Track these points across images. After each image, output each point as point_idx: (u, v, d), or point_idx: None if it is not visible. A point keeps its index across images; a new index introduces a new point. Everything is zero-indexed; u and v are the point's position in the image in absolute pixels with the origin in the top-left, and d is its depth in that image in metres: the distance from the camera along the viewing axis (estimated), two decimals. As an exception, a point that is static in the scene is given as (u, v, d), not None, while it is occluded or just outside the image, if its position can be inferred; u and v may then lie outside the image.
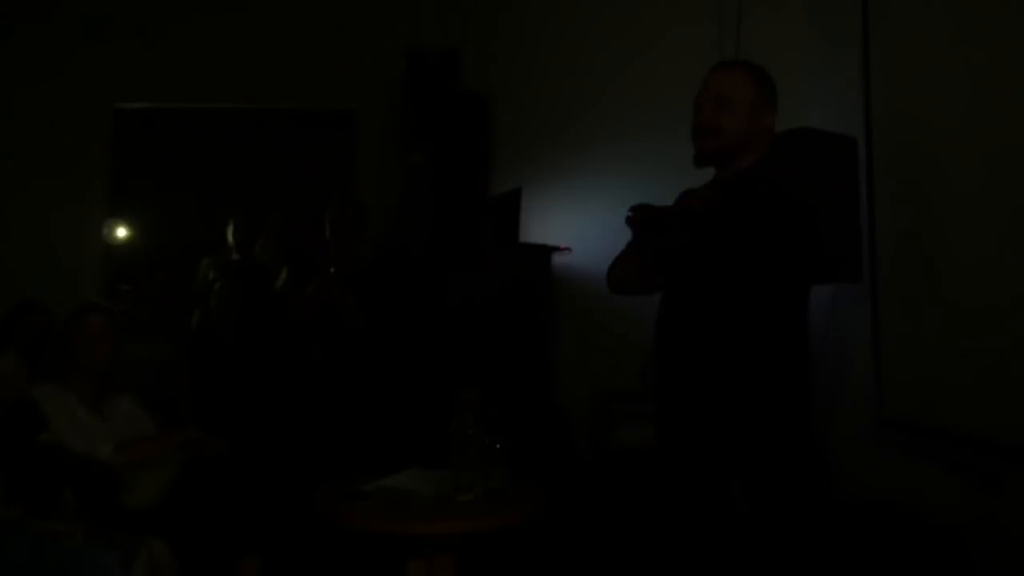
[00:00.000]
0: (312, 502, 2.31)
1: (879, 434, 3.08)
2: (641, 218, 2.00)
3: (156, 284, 3.98)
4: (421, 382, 3.28)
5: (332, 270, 3.58)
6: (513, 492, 2.31)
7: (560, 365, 3.72)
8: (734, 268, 1.90)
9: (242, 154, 6.15)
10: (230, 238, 4.60)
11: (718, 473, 1.92)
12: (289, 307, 3.70)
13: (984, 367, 2.50)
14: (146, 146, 5.72)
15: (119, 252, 4.98)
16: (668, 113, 4.05)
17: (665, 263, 2.09)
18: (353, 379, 3.51)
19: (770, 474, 1.89)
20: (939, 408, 2.70)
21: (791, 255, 1.89)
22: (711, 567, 1.94)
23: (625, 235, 2.24)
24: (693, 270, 2.01)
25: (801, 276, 1.98)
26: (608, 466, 3.24)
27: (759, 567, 1.86)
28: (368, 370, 3.40)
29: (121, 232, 5.29)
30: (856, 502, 3.00)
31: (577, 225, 3.96)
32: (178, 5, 4.25)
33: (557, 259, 3.73)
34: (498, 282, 3.42)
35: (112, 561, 2.28)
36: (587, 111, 4.04)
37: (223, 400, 3.85)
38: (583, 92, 4.05)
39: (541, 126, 4.04)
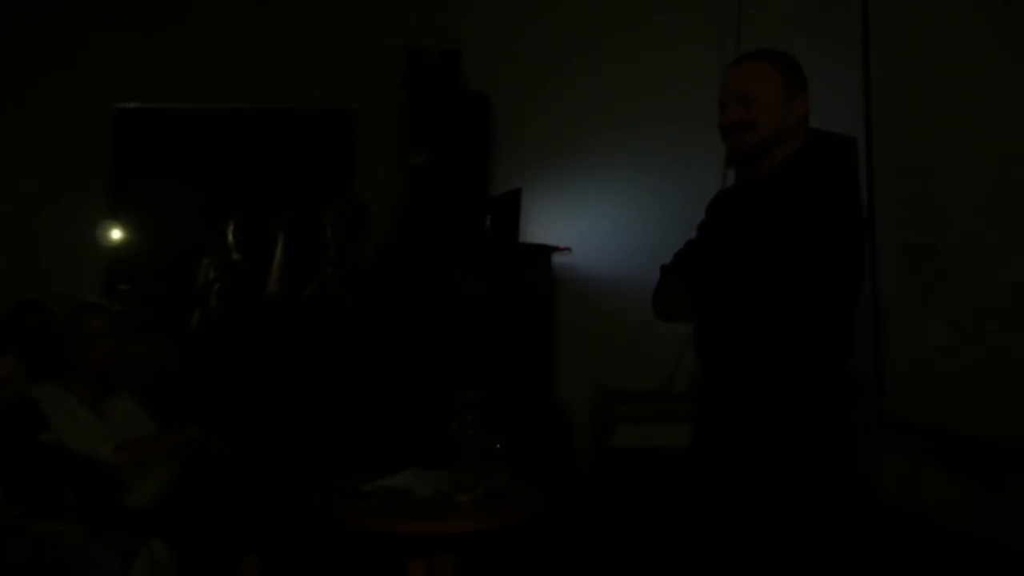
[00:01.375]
0: (312, 502, 2.31)
1: (879, 434, 3.09)
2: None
3: (156, 284, 3.97)
4: (421, 382, 3.28)
5: (330, 271, 3.59)
6: (513, 492, 2.30)
7: (560, 365, 3.72)
8: (769, 279, 1.86)
9: (242, 154, 6.16)
10: (230, 238, 4.60)
11: (746, 475, 1.90)
12: (288, 307, 3.70)
13: (984, 367, 2.50)
14: (146, 146, 5.74)
15: (119, 252, 4.98)
16: (669, 113, 4.08)
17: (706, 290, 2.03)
18: (352, 379, 3.51)
19: (800, 480, 1.88)
20: (939, 408, 2.70)
21: (817, 261, 1.85)
22: (722, 566, 1.95)
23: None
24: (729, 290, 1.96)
25: (833, 279, 1.92)
26: (608, 466, 3.24)
27: (771, 567, 1.87)
28: (367, 370, 3.40)
29: (121, 232, 5.29)
30: (856, 502, 3.01)
31: (577, 225, 3.96)
32: (178, 5, 4.25)
33: (557, 259, 3.73)
34: (498, 282, 3.42)
35: (112, 561, 2.28)
36: (587, 111, 4.04)
37: (223, 400, 3.85)
38: (583, 92, 4.05)
39: (541, 126, 4.04)
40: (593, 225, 3.98)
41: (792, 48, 4.08)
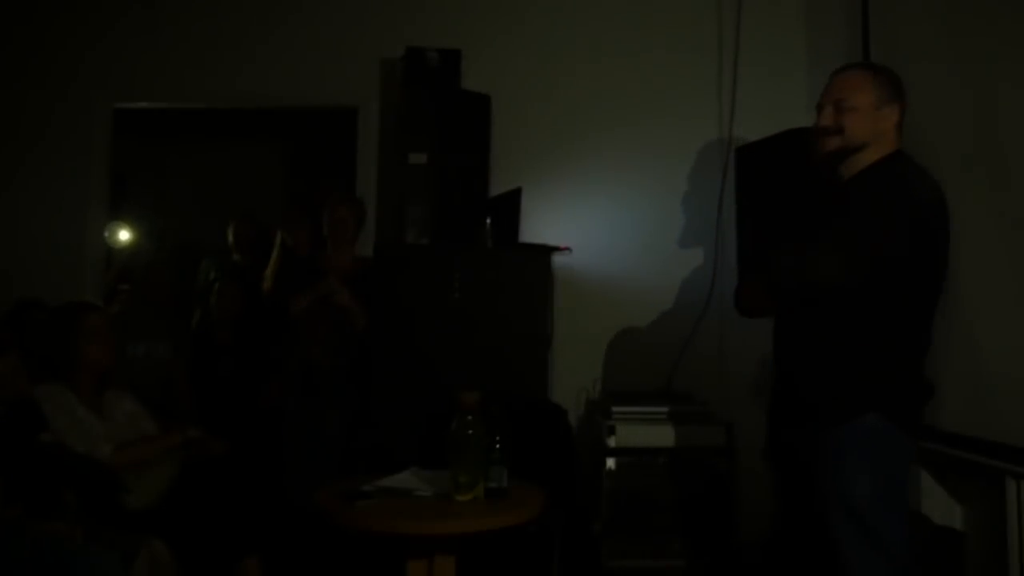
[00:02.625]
0: (312, 502, 2.31)
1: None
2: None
3: (156, 284, 3.97)
4: (421, 382, 3.28)
5: (331, 270, 3.59)
6: (513, 492, 2.30)
7: (560, 365, 3.72)
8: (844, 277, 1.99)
9: (242, 154, 6.18)
10: (230, 239, 4.61)
11: (833, 458, 2.02)
12: (288, 307, 3.70)
13: (984, 367, 2.50)
14: (146, 146, 5.75)
15: (119, 252, 4.99)
16: (669, 113, 4.08)
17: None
18: (353, 379, 3.51)
19: (884, 463, 2.02)
20: (939, 408, 2.70)
21: (899, 255, 1.98)
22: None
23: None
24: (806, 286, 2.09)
25: (915, 276, 2.05)
26: (608, 466, 3.24)
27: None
28: (368, 370, 3.40)
29: (121, 232, 5.30)
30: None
31: (577, 225, 3.96)
32: (178, 5, 4.25)
33: (557, 259, 3.73)
34: (498, 282, 3.42)
35: (112, 561, 2.28)
36: (587, 111, 4.04)
37: (223, 400, 3.85)
38: (583, 92, 4.05)
39: (541, 126, 4.04)
40: (593, 225, 3.98)
41: (792, 47, 4.11)
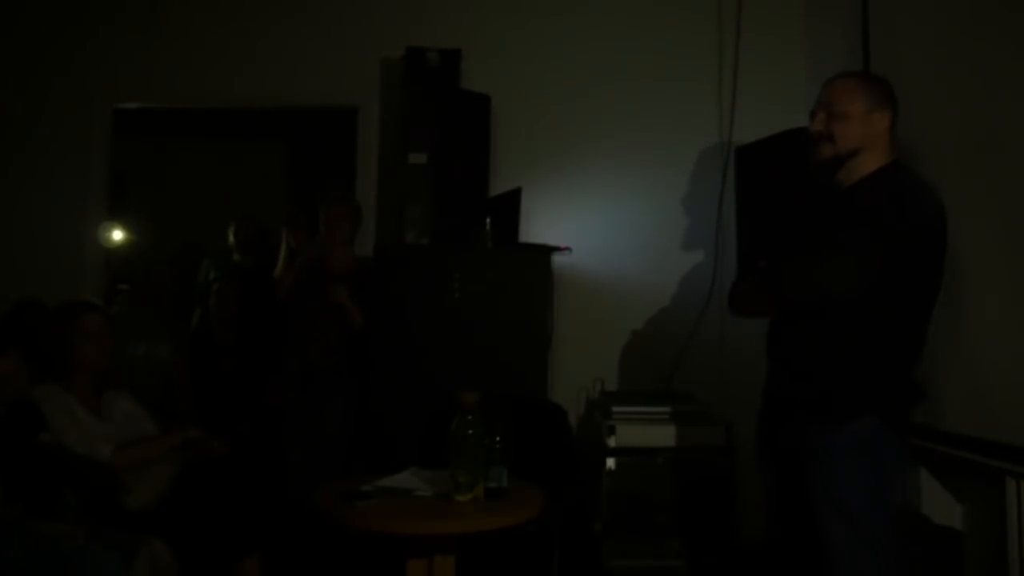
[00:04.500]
0: (312, 502, 2.31)
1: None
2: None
3: (155, 284, 3.97)
4: (421, 382, 3.28)
5: (331, 271, 3.59)
6: (513, 492, 2.30)
7: (560, 365, 3.73)
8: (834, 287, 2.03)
9: (242, 154, 6.18)
10: (231, 239, 4.61)
11: (826, 459, 2.05)
12: (288, 307, 3.70)
13: (984, 367, 2.50)
14: (146, 146, 5.75)
15: (119, 252, 4.99)
16: (669, 113, 4.08)
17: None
18: (352, 379, 3.51)
19: (879, 464, 2.06)
20: (939, 408, 2.70)
21: (908, 267, 2.03)
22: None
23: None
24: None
25: (918, 285, 2.10)
26: (608, 466, 3.24)
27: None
28: (367, 369, 3.40)
29: (121, 232, 5.30)
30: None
31: (577, 225, 3.96)
32: (178, 5, 4.25)
33: (557, 259, 3.73)
34: (498, 282, 3.42)
35: (112, 561, 2.28)
36: (587, 111, 4.04)
37: (223, 400, 3.85)
38: (583, 92, 4.05)
39: (541, 126, 4.04)
40: (593, 225, 3.98)
41: (792, 48, 4.11)
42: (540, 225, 3.88)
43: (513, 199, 3.60)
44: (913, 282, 2.08)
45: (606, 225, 3.99)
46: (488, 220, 3.49)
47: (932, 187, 2.16)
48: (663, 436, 3.24)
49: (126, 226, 5.40)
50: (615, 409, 3.31)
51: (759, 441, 2.34)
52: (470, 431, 2.22)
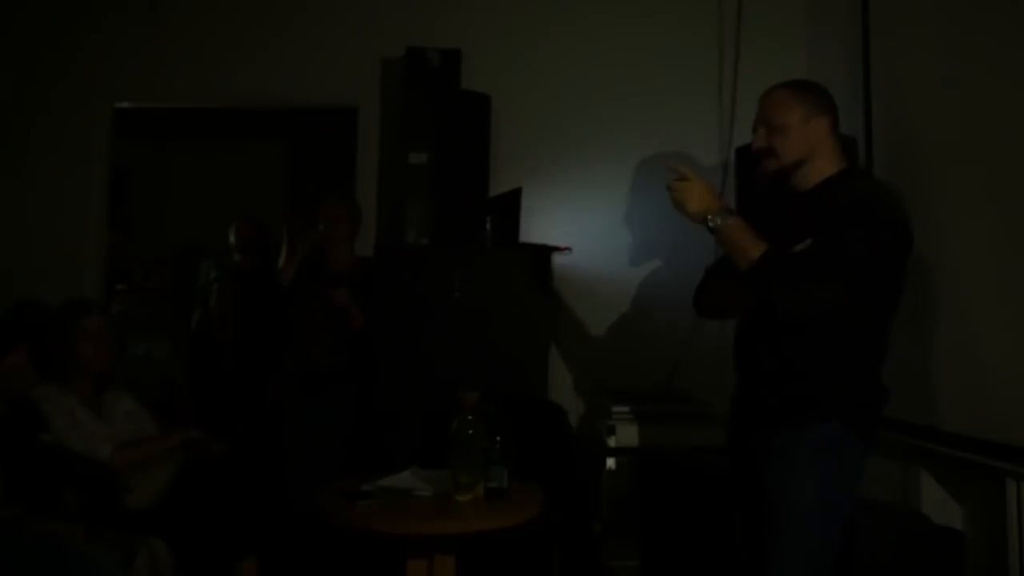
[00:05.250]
0: (312, 502, 2.31)
1: (879, 434, 3.08)
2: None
3: (155, 284, 3.97)
4: (421, 382, 3.28)
5: (330, 270, 3.59)
6: (513, 492, 2.30)
7: (560, 365, 3.72)
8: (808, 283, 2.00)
9: (242, 154, 6.18)
10: (231, 239, 4.61)
11: (790, 463, 2.04)
12: (288, 307, 3.70)
13: (983, 366, 2.50)
14: (146, 146, 5.75)
15: (119, 252, 4.98)
16: (669, 113, 4.08)
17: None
18: (352, 379, 3.51)
19: (842, 468, 2.06)
20: (939, 408, 2.70)
21: (881, 274, 2.03)
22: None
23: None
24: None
25: (888, 288, 2.09)
26: (607, 466, 3.24)
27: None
28: (367, 369, 3.40)
29: (121, 232, 5.29)
30: (856, 502, 3.00)
31: (577, 225, 3.96)
32: (179, 5, 4.25)
33: (557, 259, 3.73)
34: (498, 282, 3.42)
35: (112, 561, 2.28)
36: (587, 111, 4.04)
37: (223, 400, 3.85)
38: (583, 92, 4.05)
39: (541, 126, 4.04)
40: (593, 225, 3.98)
41: (792, 48, 4.11)
42: (540, 225, 3.88)
43: (513, 199, 3.60)
44: (888, 289, 2.09)
45: (606, 225, 3.99)
46: (488, 220, 3.49)
47: (896, 190, 2.17)
48: (663, 436, 3.24)
49: (126, 226, 5.40)
50: (615, 409, 3.31)
51: (731, 450, 2.31)
52: (470, 431, 2.22)
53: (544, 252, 3.58)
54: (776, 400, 2.10)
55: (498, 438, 2.27)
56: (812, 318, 2.03)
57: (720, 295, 2.34)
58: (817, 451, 2.02)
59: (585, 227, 3.96)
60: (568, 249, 3.74)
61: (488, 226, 3.48)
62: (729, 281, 2.20)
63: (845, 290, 1.97)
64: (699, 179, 2.17)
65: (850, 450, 2.06)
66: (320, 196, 3.83)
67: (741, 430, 2.25)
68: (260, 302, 4.05)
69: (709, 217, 2.11)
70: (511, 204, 3.59)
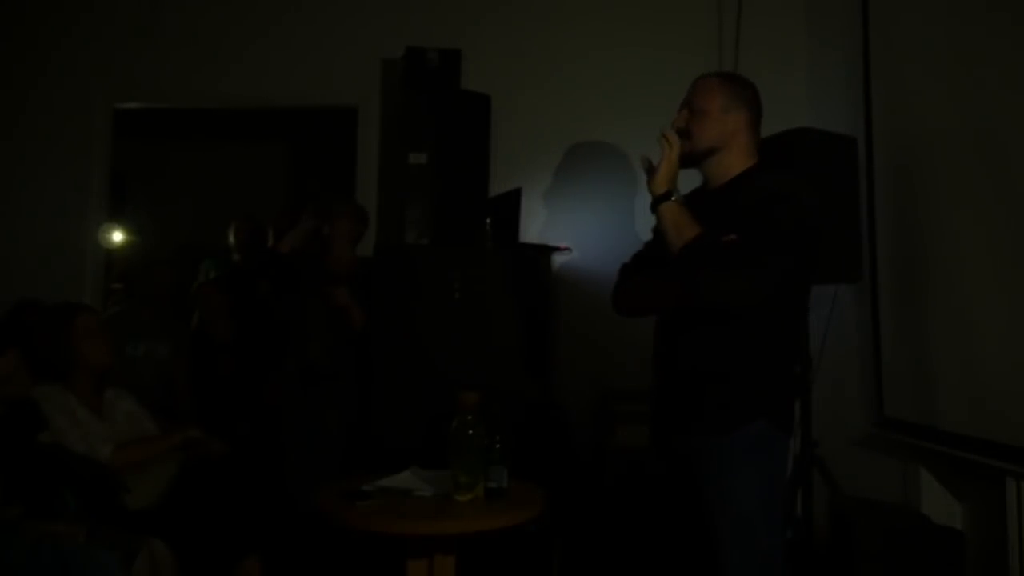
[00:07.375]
0: (312, 502, 2.31)
1: (879, 434, 3.09)
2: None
3: (155, 284, 3.97)
4: (421, 382, 3.28)
5: (331, 270, 3.59)
6: (513, 492, 2.30)
7: (560, 365, 3.72)
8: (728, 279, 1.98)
9: (242, 154, 6.19)
10: (231, 240, 4.60)
11: (724, 465, 2.03)
12: (288, 307, 3.70)
13: (983, 366, 2.50)
14: (146, 146, 5.75)
15: (119, 252, 4.98)
16: (669, 112, 4.06)
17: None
18: (352, 379, 3.51)
19: (772, 465, 2.07)
20: (939, 408, 2.70)
21: (803, 267, 2.05)
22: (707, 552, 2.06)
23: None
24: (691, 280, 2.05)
25: (804, 283, 2.14)
26: (608, 466, 3.24)
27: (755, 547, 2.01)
28: (367, 369, 3.40)
29: (121, 233, 5.30)
30: (856, 502, 3.01)
31: (577, 225, 3.96)
32: (179, 5, 4.25)
33: (557, 259, 3.73)
34: (498, 282, 3.42)
35: (112, 561, 2.28)
36: (587, 111, 4.04)
37: (223, 399, 3.85)
38: (583, 92, 4.05)
39: (541, 126, 4.04)
40: (593, 225, 3.98)
41: (792, 48, 4.11)
42: (540, 225, 3.89)
43: (513, 199, 3.60)
44: (801, 282, 2.11)
45: (606, 225, 3.98)
46: (488, 220, 3.49)
47: (810, 184, 2.18)
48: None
49: (126, 226, 5.40)
50: (615, 409, 3.31)
51: (653, 446, 2.31)
52: (470, 431, 2.22)
53: (544, 252, 3.58)
54: (702, 402, 2.08)
55: (498, 438, 2.27)
56: (736, 305, 2.00)
57: (640, 292, 2.33)
58: (750, 451, 2.02)
59: (585, 227, 3.96)
60: (568, 249, 3.74)
61: (488, 226, 3.48)
62: (647, 278, 2.24)
63: (767, 283, 1.95)
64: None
65: (779, 444, 2.09)
66: (312, 198, 3.81)
67: (665, 430, 2.23)
68: (259, 302, 4.05)
69: (674, 194, 2.13)
70: (511, 204, 3.59)
